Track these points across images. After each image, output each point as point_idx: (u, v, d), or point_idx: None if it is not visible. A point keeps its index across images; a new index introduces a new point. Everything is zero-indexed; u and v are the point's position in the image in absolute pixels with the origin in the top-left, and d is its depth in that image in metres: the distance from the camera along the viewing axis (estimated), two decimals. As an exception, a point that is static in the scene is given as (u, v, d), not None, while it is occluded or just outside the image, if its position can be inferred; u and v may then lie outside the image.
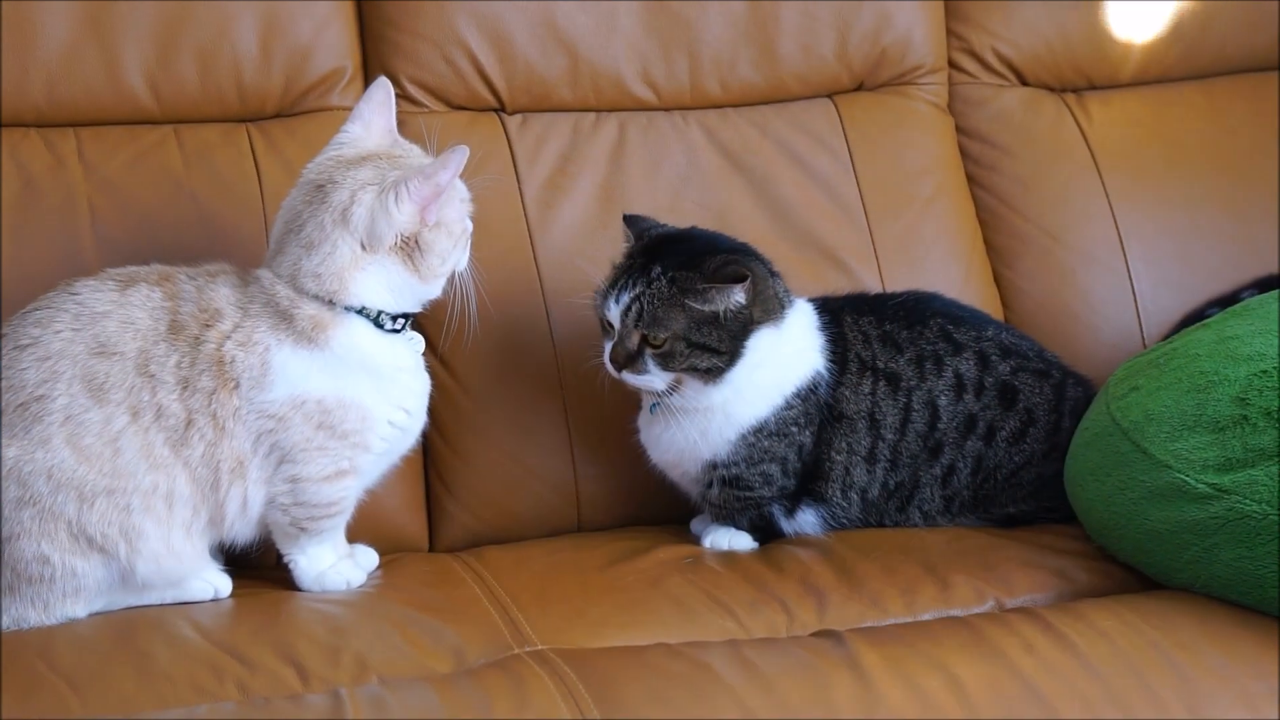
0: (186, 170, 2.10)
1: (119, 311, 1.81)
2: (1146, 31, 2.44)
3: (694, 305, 1.92)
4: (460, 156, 1.82)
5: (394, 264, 1.84)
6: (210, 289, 1.83)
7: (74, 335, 1.79)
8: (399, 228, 1.82)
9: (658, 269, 1.93)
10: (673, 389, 1.95)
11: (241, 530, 1.87)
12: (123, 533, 1.79)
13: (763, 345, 1.96)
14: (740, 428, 1.98)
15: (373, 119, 1.89)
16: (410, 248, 1.84)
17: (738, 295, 1.92)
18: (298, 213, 1.84)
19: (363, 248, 1.82)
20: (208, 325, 1.82)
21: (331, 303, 1.83)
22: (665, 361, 1.93)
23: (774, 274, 2.00)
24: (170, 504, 1.80)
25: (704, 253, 1.95)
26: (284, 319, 1.82)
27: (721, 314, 1.92)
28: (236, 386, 1.81)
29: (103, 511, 1.78)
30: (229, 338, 1.81)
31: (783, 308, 1.99)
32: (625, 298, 1.93)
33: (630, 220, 2.03)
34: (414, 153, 1.89)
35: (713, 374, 1.94)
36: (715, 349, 1.93)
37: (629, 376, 1.95)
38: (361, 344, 1.84)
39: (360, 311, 1.84)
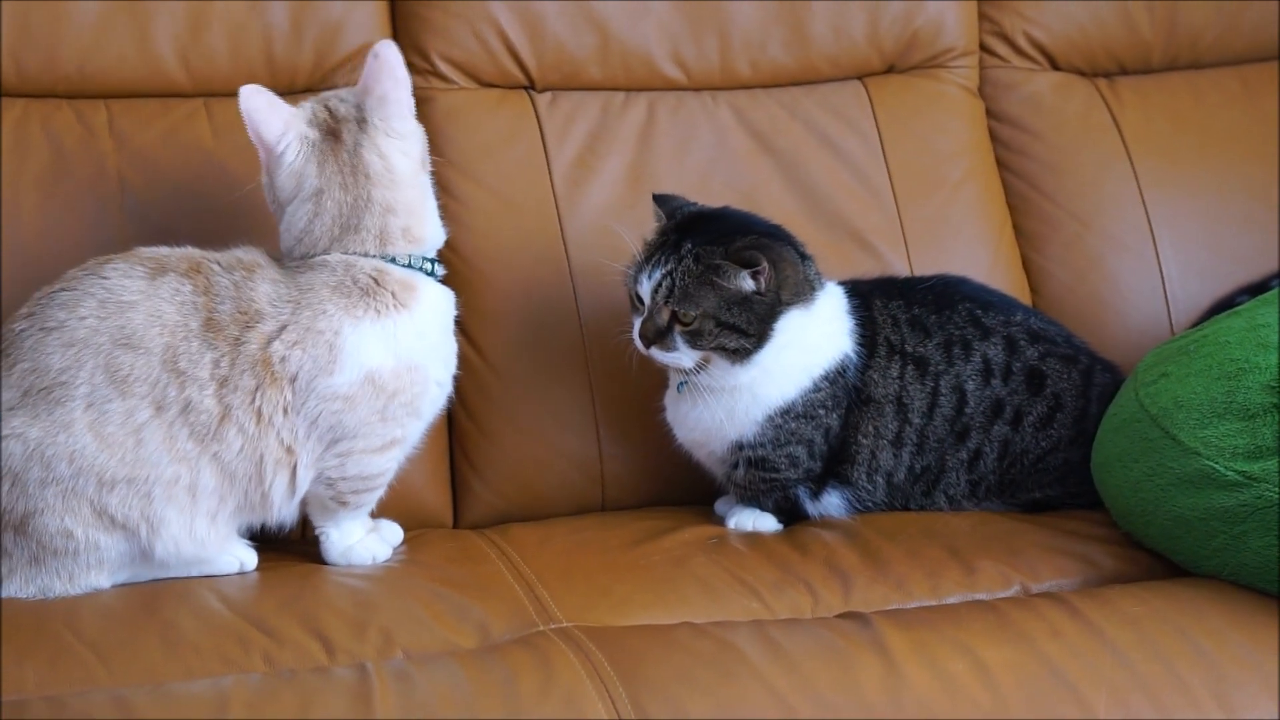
0: (216, 143, 2.10)
1: (146, 303, 1.80)
2: (1179, 16, 2.43)
3: (722, 284, 1.92)
4: (387, 47, 1.89)
5: (423, 175, 1.91)
6: (249, 287, 1.83)
7: (99, 324, 1.79)
8: (418, 140, 1.91)
9: (688, 246, 1.93)
10: (700, 367, 1.95)
11: (285, 513, 1.87)
12: (144, 517, 1.79)
13: (791, 327, 1.95)
14: (767, 408, 1.98)
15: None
16: (424, 155, 1.93)
17: (762, 277, 1.91)
18: (347, 197, 1.86)
19: (415, 178, 1.89)
20: (248, 326, 1.81)
21: (418, 258, 1.87)
22: (694, 340, 1.93)
23: (805, 257, 1.99)
24: (194, 495, 1.80)
25: (735, 232, 1.95)
26: (365, 294, 1.83)
27: (749, 294, 1.92)
28: (291, 381, 1.81)
29: (123, 496, 1.78)
30: (275, 339, 1.81)
31: (813, 290, 1.98)
32: (657, 274, 1.93)
33: (660, 199, 2.03)
34: (342, 93, 1.92)
35: (740, 354, 1.94)
36: (743, 329, 1.93)
37: (657, 353, 1.95)
38: (437, 301, 1.90)
39: (431, 263, 1.89)
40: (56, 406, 1.77)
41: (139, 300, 1.80)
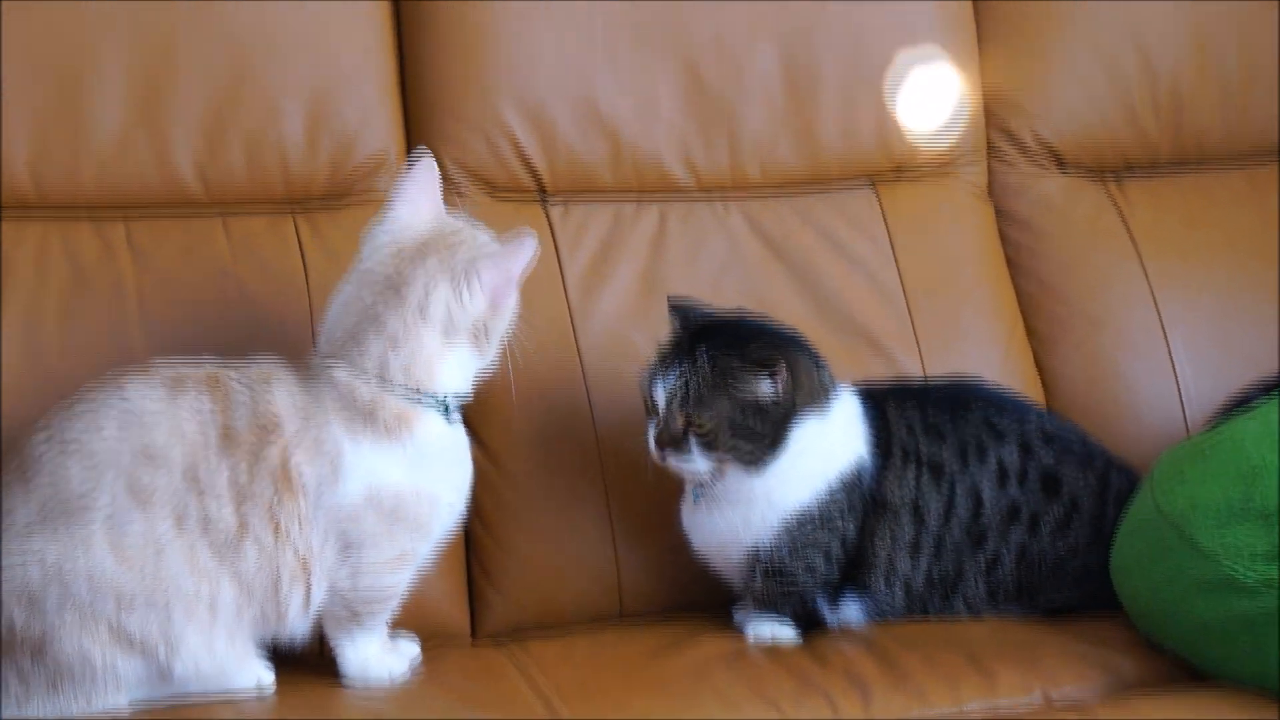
0: (234, 259, 2.12)
1: (167, 420, 1.80)
2: (1185, 116, 2.45)
3: (738, 389, 1.92)
4: (530, 245, 1.85)
5: (466, 347, 1.87)
6: (266, 397, 1.83)
7: (120, 440, 1.79)
8: (474, 317, 1.86)
9: (704, 350, 1.94)
10: (716, 474, 1.95)
11: (299, 627, 1.87)
12: (163, 636, 1.79)
13: (807, 433, 1.96)
14: (783, 515, 1.98)
15: (419, 198, 1.91)
16: (479, 331, 1.87)
17: (779, 381, 1.92)
18: (372, 307, 1.85)
19: (444, 337, 1.85)
20: (267, 436, 1.82)
21: (416, 394, 1.85)
22: (709, 445, 1.93)
23: (820, 363, 2.00)
24: (214, 612, 1.80)
25: (750, 337, 1.96)
26: (363, 416, 1.83)
27: (765, 399, 1.92)
28: (303, 492, 1.81)
29: (143, 615, 1.78)
30: (292, 447, 1.82)
31: (828, 396, 1.99)
32: (671, 378, 1.94)
33: (675, 303, 2.04)
34: (463, 228, 1.91)
35: (755, 461, 1.94)
36: (758, 435, 1.93)
37: (672, 459, 1.95)
38: (437, 434, 1.87)
39: (439, 402, 1.87)
40: (76, 525, 1.77)
41: (160, 417, 1.80)
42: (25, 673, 1.78)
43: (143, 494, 1.78)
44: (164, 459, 1.79)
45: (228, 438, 1.80)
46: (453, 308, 1.84)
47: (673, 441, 1.94)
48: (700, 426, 1.92)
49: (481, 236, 1.90)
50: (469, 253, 1.86)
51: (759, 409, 1.92)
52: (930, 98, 2.35)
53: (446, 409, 1.88)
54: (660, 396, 1.94)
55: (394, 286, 1.84)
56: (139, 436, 1.79)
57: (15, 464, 1.81)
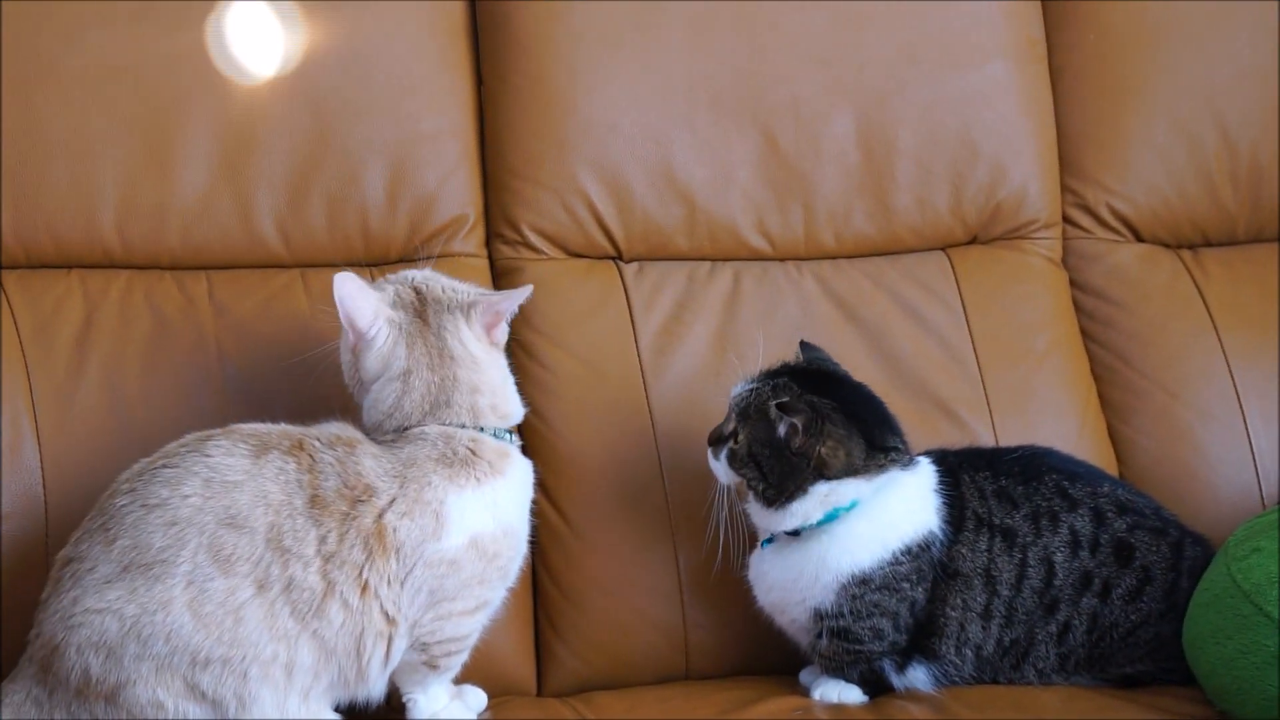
0: (312, 312, 2.15)
1: (251, 483, 1.82)
2: (1264, 189, 2.44)
3: (768, 423, 1.95)
4: (524, 293, 1.96)
5: (499, 356, 1.97)
6: (353, 462, 1.86)
7: (204, 503, 1.81)
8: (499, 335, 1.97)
9: (783, 379, 1.98)
10: (742, 496, 1.99)
11: (377, 686, 1.88)
12: (236, 695, 1.80)
13: (840, 495, 1.95)
14: (839, 576, 1.98)
15: (363, 303, 1.92)
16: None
17: (796, 438, 1.94)
18: (434, 375, 1.91)
19: (490, 357, 1.94)
20: (360, 500, 1.84)
21: (506, 430, 1.93)
22: (731, 458, 1.98)
23: (883, 449, 1.97)
24: (290, 673, 1.81)
25: (818, 390, 1.96)
26: (465, 463, 1.88)
27: (779, 443, 1.94)
28: (397, 552, 1.84)
29: (218, 674, 1.79)
30: (387, 510, 1.84)
31: (879, 469, 1.97)
32: (746, 388, 2.00)
33: (806, 346, 2.08)
34: (413, 275, 1.97)
35: (762, 494, 1.97)
36: (770, 473, 1.96)
37: (710, 454, 2.00)
38: (524, 469, 1.95)
39: (508, 435, 1.94)
40: (156, 583, 1.79)
41: (244, 480, 1.82)
42: (99, 716, 1.80)
43: (224, 558, 1.80)
44: (247, 523, 1.80)
45: (316, 502, 1.82)
46: (481, 337, 1.93)
47: (717, 440, 2.00)
48: (736, 439, 1.97)
49: (431, 273, 1.98)
50: (450, 294, 1.94)
51: (778, 450, 1.95)
52: (1004, 167, 2.36)
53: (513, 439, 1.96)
54: (731, 397, 2.00)
55: (440, 352, 1.91)
56: (223, 500, 1.81)
57: (98, 518, 1.84)
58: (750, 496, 1.99)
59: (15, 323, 2.08)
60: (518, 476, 1.93)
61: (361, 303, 1.91)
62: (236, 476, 1.82)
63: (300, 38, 2.18)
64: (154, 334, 2.11)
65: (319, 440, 1.87)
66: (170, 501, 1.81)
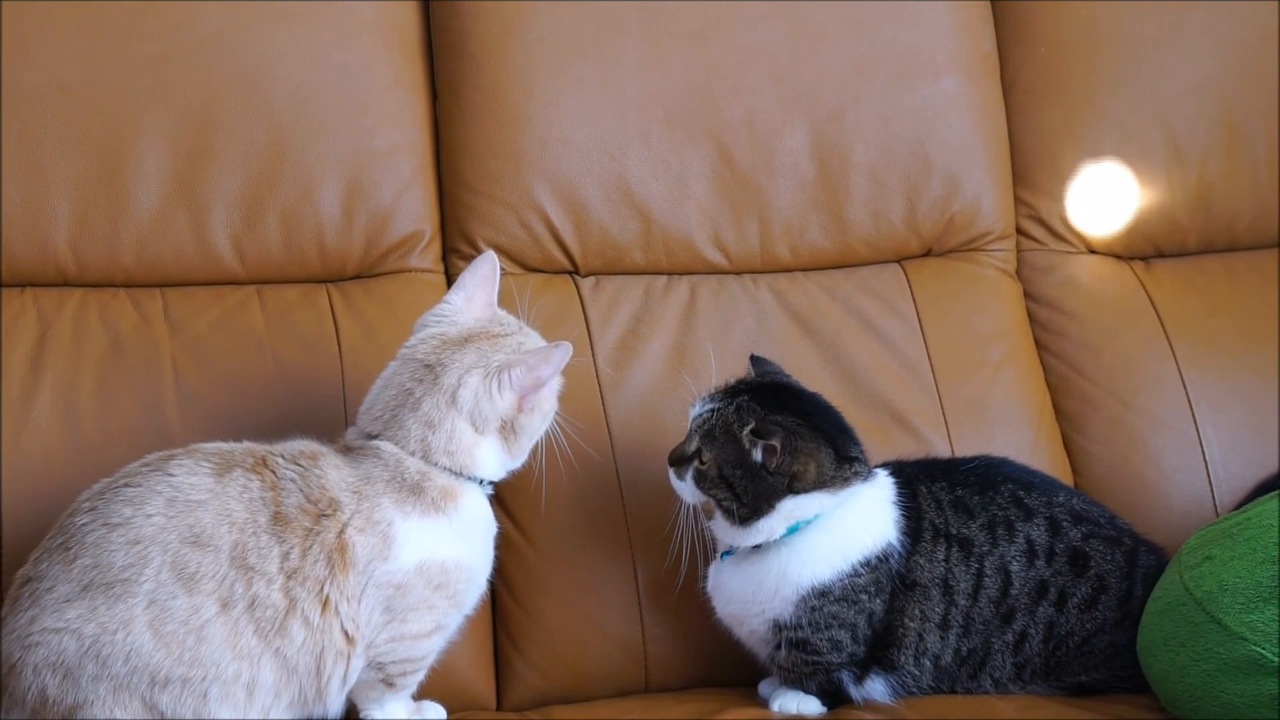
0: (268, 330, 2.15)
1: (215, 502, 1.81)
2: (1215, 202, 2.46)
3: (739, 444, 1.95)
4: (564, 353, 1.89)
5: (496, 441, 1.90)
6: (316, 474, 1.85)
7: (167, 522, 1.80)
8: (501, 413, 1.89)
9: (743, 399, 1.98)
10: (709, 514, 1.99)
11: (335, 705, 1.87)
12: (195, 715, 1.78)
13: (804, 509, 1.96)
14: (799, 588, 1.98)
15: (476, 291, 1.95)
16: (507, 428, 1.90)
17: (774, 458, 1.94)
18: (410, 390, 1.88)
19: (473, 428, 1.88)
20: (323, 515, 1.83)
21: (459, 474, 1.88)
22: (699, 479, 1.97)
23: (847, 459, 1.99)
24: (251, 693, 1.80)
25: (781, 408, 1.97)
26: (412, 491, 1.86)
27: (749, 463, 1.95)
28: (354, 566, 1.83)
29: (176, 694, 1.78)
30: (348, 525, 1.83)
31: (845, 483, 1.99)
32: (706, 407, 1.99)
33: (756, 360, 2.08)
34: (511, 326, 1.94)
35: (732, 514, 1.97)
36: (738, 493, 1.96)
37: (672, 475, 2.00)
38: (478, 508, 1.91)
39: (479, 480, 1.91)
40: (117, 602, 1.78)
41: (208, 499, 1.81)
42: None
43: (188, 576, 1.78)
44: (211, 541, 1.79)
45: (279, 519, 1.81)
46: (481, 400, 1.88)
47: (679, 460, 1.99)
48: (701, 460, 1.96)
49: (528, 340, 1.94)
50: (507, 352, 1.90)
51: (751, 471, 1.95)
52: (958, 179, 2.37)
53: (481, 483, 1.92)
54: (691, 418, 2.00)
55: (432, 371, 1.88)
56: (186, 519, 1.80)
57: (58, 537, 1.82)
58: (718, 515, 1.99)
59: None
60: (469, 516, 1.89)
61: (488, 284, 1.96)
62: (200, 495, 1.81)
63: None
64: (108, 352, 2.10)
65: (282, 457, 1.86)
66: (133, 520, 1.79)
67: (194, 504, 1.80)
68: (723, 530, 2.00)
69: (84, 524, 1.81)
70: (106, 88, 2.14)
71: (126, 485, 1.83)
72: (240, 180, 2.17)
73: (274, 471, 1.84)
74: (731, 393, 2.00)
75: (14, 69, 2.11)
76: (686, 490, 1.99)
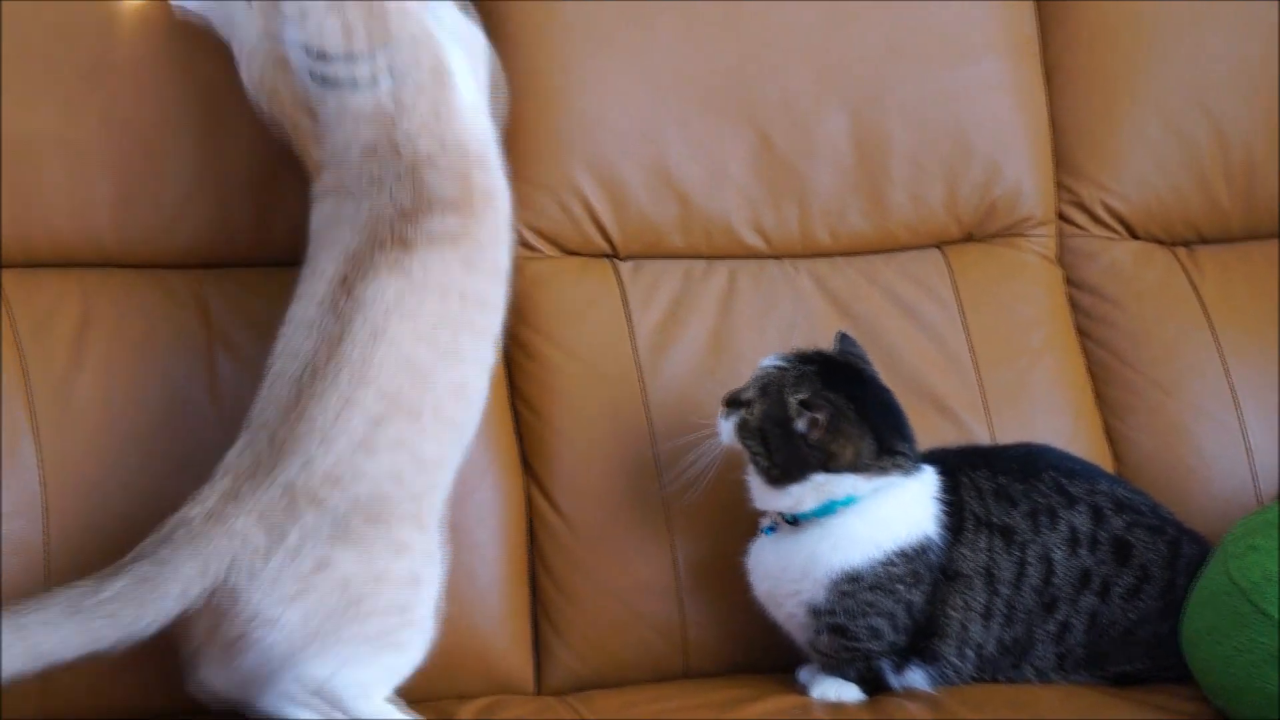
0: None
1: None
2: (1258, 186, 2.44)
3: (784, 405, 1.96)
4: None
5: None
6: None
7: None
8: None
9: (811, 369, 1.99)
10: (745, 462, 2.01)
11: None
12: None
13: (835, 487, 1.97)
14: (829, 570, 1.98)
15: None
16: None
17: (816, 431, 1.95)
18: None
19: None
20: None
21: None
22: (740, 427, 1.99)
23: (892, 451, 1.99)
24: None
25: (841, 387, 1.97)
26: None
27: (789, 428, 1.96)
28: None
29: None
30: None
31: (880, 471, 1.98)
32: (774, 363, 2.01)
33: (843, 337, 2.09)
34: None
35: (762, 469, 1.99)
36: (768, 449, 1.97)
37: (721, 411, 2.02)
38: None
39: None
40: None
41: None
42: None
43: None
44: None
45: None
46: None
47: (732, 402, 2.01)
48: (750, 410, 1.98)
49: None
50: None
51: (790, 436, 1.96)
52: (999, 164, 2.36)
53: None
54: (759, 366, 2.02)
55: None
56: None
57: None
58: (751, 469, 2.00)
59: (13, 322, 2.07)
60: None
61: None
62: None
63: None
64: (150, 332, 2.09)
65: None
66: None
67: None
68: (756, 487, 2.01)
69: None
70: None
71: None
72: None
73: None
74: (802, 359, 2.01)
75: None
76: (726, 430, 2.00)
